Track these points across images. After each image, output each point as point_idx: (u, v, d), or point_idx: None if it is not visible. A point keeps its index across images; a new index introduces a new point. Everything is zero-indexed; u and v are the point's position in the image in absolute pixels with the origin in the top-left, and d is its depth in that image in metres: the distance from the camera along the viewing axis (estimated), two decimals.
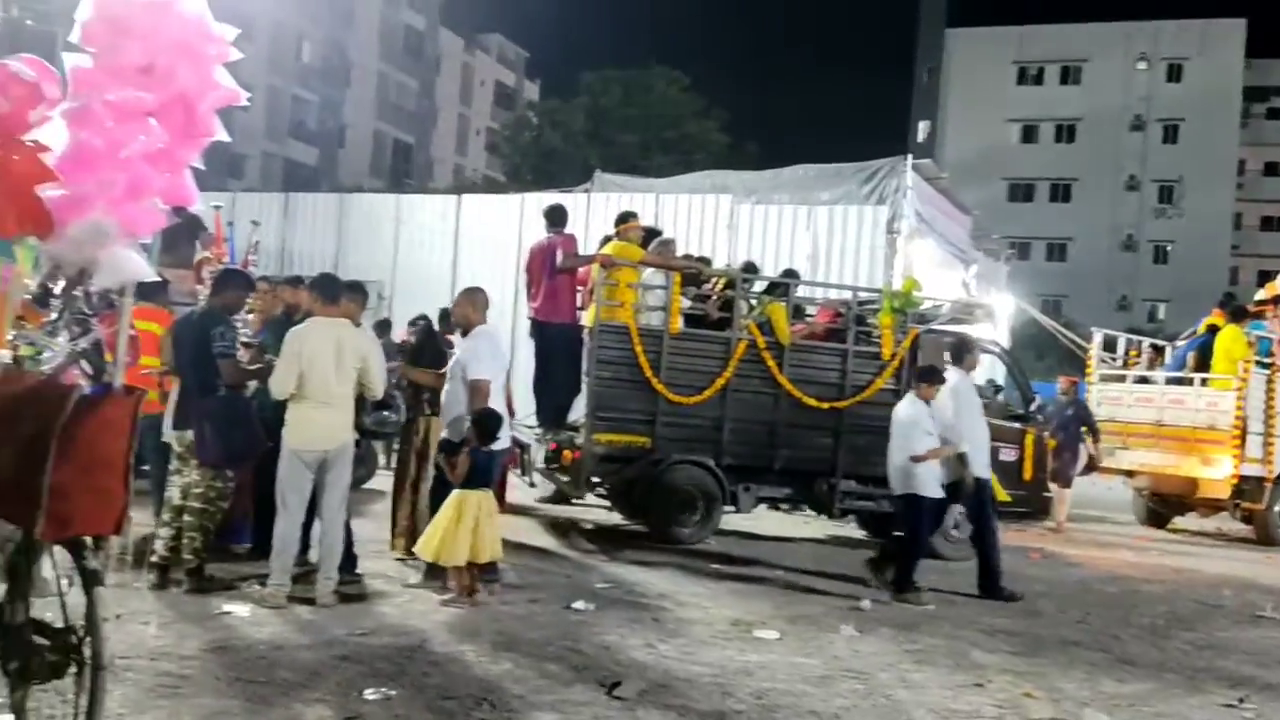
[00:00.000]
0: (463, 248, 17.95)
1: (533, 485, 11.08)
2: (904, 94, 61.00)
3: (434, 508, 7.07)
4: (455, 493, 6.78)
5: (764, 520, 11.19)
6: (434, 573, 7.01)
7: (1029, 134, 56.64)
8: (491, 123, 57.45)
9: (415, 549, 7.03)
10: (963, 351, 8.95)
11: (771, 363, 9.93)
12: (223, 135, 4.05)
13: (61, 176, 3.81)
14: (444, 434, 7.43)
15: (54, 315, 4.32)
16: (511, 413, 9.74)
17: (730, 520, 10.49)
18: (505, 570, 7.81)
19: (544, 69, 62.80)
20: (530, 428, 10.68)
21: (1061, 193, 55.91)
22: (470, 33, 58.03)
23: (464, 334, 7.44)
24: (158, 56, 3.76)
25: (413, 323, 11.21)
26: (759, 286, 11.10)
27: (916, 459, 8.07)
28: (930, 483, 8.16)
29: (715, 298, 10.44)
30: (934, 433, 8.17)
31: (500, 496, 9.23)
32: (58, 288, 4.29)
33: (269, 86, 38.00)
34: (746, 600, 7.66)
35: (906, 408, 8.40)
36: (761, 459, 10.03)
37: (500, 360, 7.59)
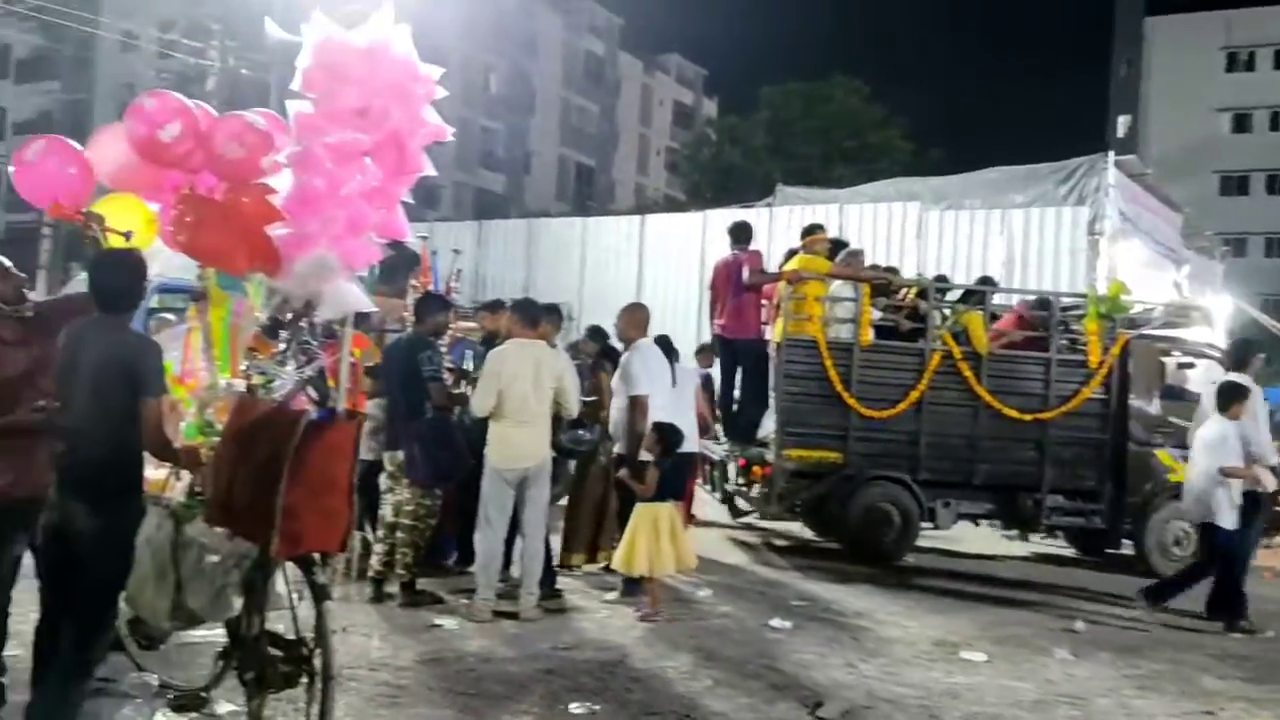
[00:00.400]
0: (647, 266, 18.17)
1: (723, 502, 11.08)
2: (1099, 89, 58.08)
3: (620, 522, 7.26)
4: (643, 506, 6.92)
5: (964, 536, 10.82)
6: (631, 587, 7.12)
7: (1241, 123, 52.81)
8: (671, 142, 58.07)
9: (613, 564, 7.16)
10: (1246, 354, 8.30)
11: (969, 374, 9.59)
12: (430, 170, 4.26)
13: (287, 216, 4.09)
14: (617, 449, 7.61)
15: (283, 346, 4.62)
16: (715, 419, 9.79)
17: (928, 536, 10.19)
18: (699, 586, 7.84)
19: (722, 86, 63.03)
20: (719, 443, 10.69)
21: None
22: (649, 55, 58.92)
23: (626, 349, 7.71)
24: (372, 99, 3.99)
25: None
26: (953, 296, 10.76)
27: (1229, 473, 7.55)
28: (1227, 511, 7.58)
29: (906, 308, 10.18)
30: (1241, 453, 7.62)
31: (688, 511, 9.30)
32: (286, 320, 4.59)
33: (460, 119, 39.63)
34: (949, 619, 7.42)
35: (1214, 428, 7.76)
36: (961, 474, 9.71)
37: (654, 374, 7.68)
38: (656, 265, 17.94)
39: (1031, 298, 11.00)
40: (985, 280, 10.98)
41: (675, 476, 7.25)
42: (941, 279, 11.43)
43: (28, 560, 4.32)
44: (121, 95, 40.06)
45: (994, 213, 15.06)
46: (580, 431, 7.44)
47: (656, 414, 7.31)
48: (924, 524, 9.73)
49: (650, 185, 57.90)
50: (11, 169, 4.76)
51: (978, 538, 10.93)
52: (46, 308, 4.61)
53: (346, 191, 3.99)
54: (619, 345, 8.02)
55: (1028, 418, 9.61)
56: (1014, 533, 10.71)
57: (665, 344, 8.69)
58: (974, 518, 10.23)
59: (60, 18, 33.91)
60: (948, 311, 10.15)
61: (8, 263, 4.44)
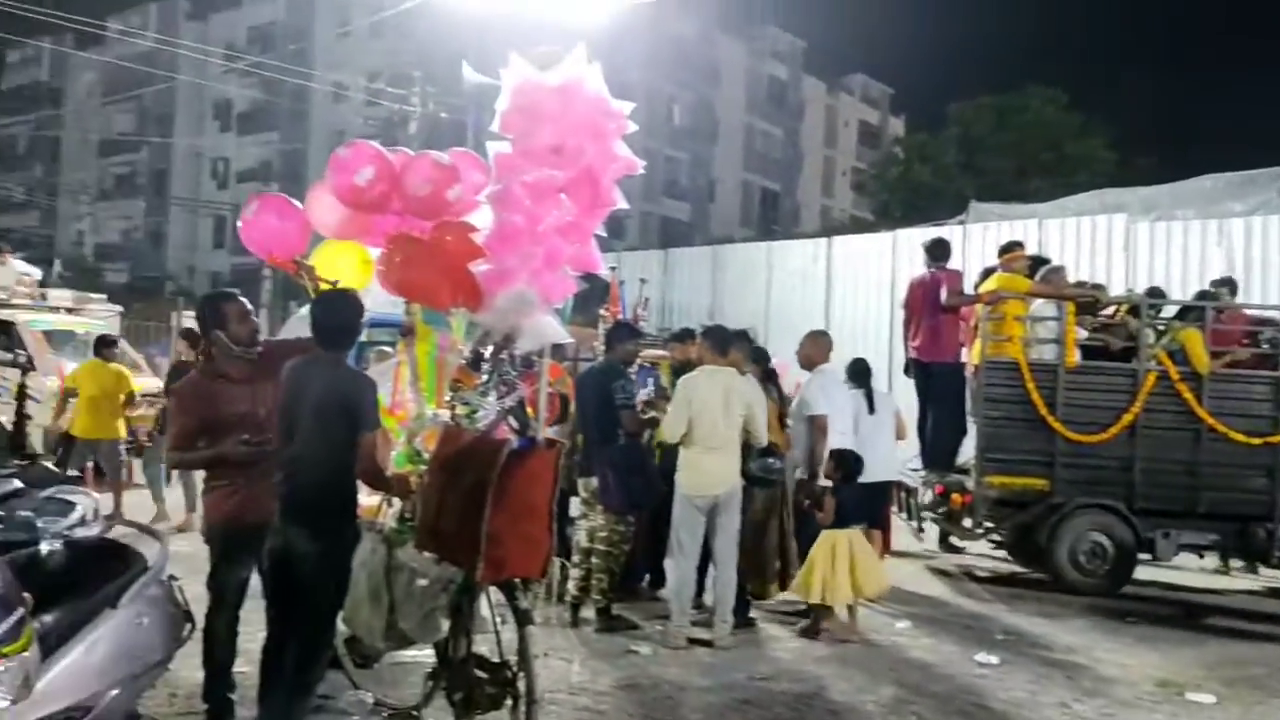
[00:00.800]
0: (835, 289, 17.91)
1: (920, 531, 10.75)
2: None
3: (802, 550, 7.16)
4: (825, 533, 6.86)
5: (1186, 569, 10.10)
6: (815, 613, 7.01)
7: None
8: (857, 162, 57.23)
9: (792, 590, 7.08)
10: None
11: (1188, 395, 8.98)
12: (622, 203, 4.35)
13: (489, 253, 4.25)
14: (798, 473, 7.52)
15: (485, 377, 4.79)
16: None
17: (1145, 569, 9.57)
18: (898, 617, 7.62)
19: (908, 104, 61.83)
20: (914, 470, 10.37)
21: None
22: (833, 76, 58.39)
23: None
24: (567, 137, 4.11)
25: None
26: (1167, 312, 10.11)
27: None
28: None
29: (1116, 325, 9.63)
30: None
31: (885, 541, 9.05)
32: (487, 352, 4.77)
33: (645, 150, 39.85)
34: (1172, 658, 6.93)
35: None
36: (1182, 502, 9.07)
37: (834, 399, 7.69)
38: (844, 287, 17.65)
39: (1257, 313, 10.21)
40: (1206, 294, 10.25)
41: (869, 503, 7.10)
42: (1156, 292, 10.74)
43: (255, 582, 4.60)
44: (333, 142, 42.71)
45: (1210, 223, 14.06)
46: (770, 460, 7.37)
47: (836, 440, 7.26)
48: (1141, 555, 9.14)
49: (836, 207, 57.19)
50: (239, 224, 5.17)
51: (1198, 570, 10.19)
52: (272, 348, 4.93)
53: (544, 227, 4.12)
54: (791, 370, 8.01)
55: (1257, 442, 8.91)
56: (1241, 565, 9.94)
57: (861, 368, 8.53)
58: (1198, 549, 9.53)
59: (278, 73, 36.65)
60: (1163, 328, 9.54)
61: (249, 306, 4.76)
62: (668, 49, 42.85)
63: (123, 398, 10.11)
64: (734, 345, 7.01)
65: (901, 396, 10.23)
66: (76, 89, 52.01)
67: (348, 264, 5.27)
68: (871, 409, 8.27)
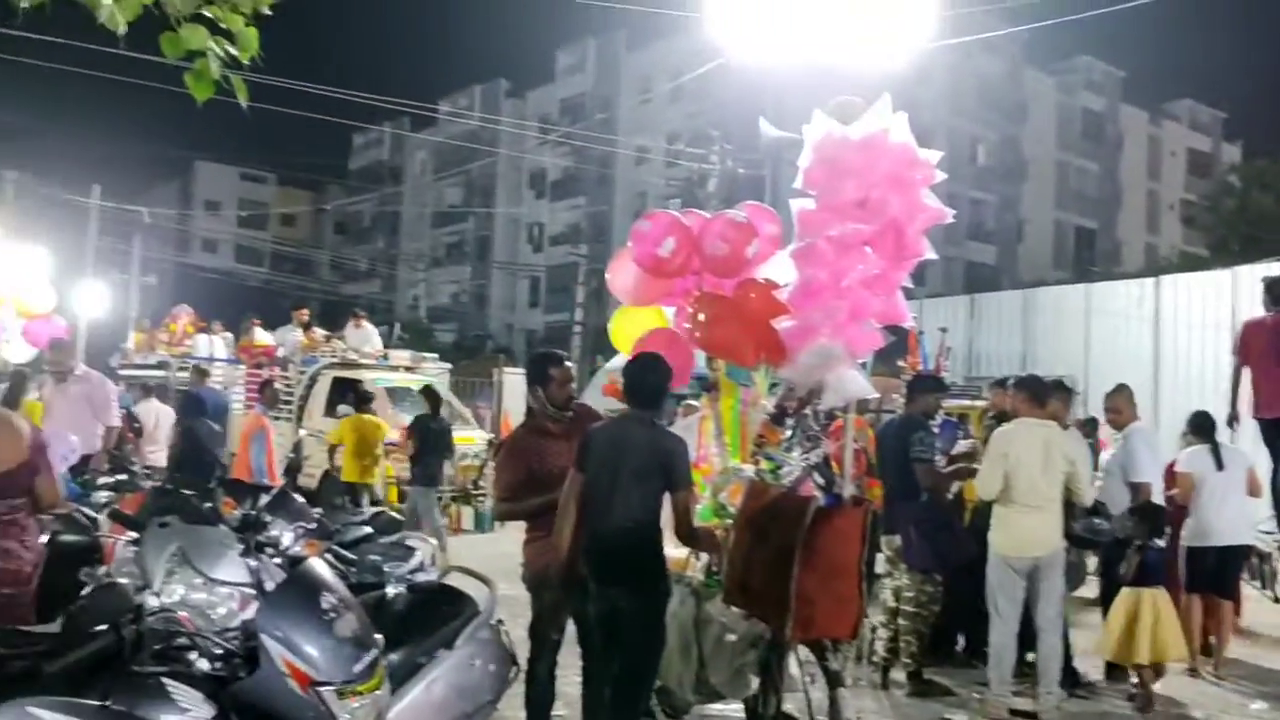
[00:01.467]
0: (1164, 333, 16.48)
1: (1277, 600, 9.58)
2: None
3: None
4: (1126, 591, 6.45)
5: None
6: (1141, 679, 6.42)
7: None
8: (1186, 194, 52.72)
9: (1094, 651, 6.56)
10: None
11: None
12: (930, 254, 4.23)
13: (792, 309, 4.26)
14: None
15: (788, 433, 4.79)
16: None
17: None
18: (1251, 697, 6.82)
19: (1244, 128, 56.33)
20: (1268, 533, 9.29)
21: None
22: (1155, 104, 54.35)
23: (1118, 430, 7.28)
24: (871, 190, 4.07)
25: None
26: None
27: None
28: None
29: None
30: None
31: (1235, 611, 8.14)
32: (791, 407, 4.76)
33: (948, 193, 38.54)
34: None
35: None
36: None
37: (1158, 459, 7.27)
38: (1175, 331, 16.21)
39: None
40: None
41: (1219, 570, 6.46)
42: None
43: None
44: (636, 204, 44.69)
45: None
46: (1097, 520, 6.85)
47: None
48: None
49: (1162, 244, 52.86)
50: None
51: None
52: (584, 410, 5.16)
53: (849, 281, 4.08)
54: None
55: None
56: None
57: (1206, 422, 7.78)
58: None
59: (586, 141, 38.88)
60: None
61: (573, 374, 4.98)
62: (970, 88, 41.57)
63: (380, 446, 11.12)
64: (1051, 396, 6.60)
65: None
66: (413, 167, 57.54)
67: (645, 326, 5.46)
68: (1219, 465, 7.50)
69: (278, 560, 3.81)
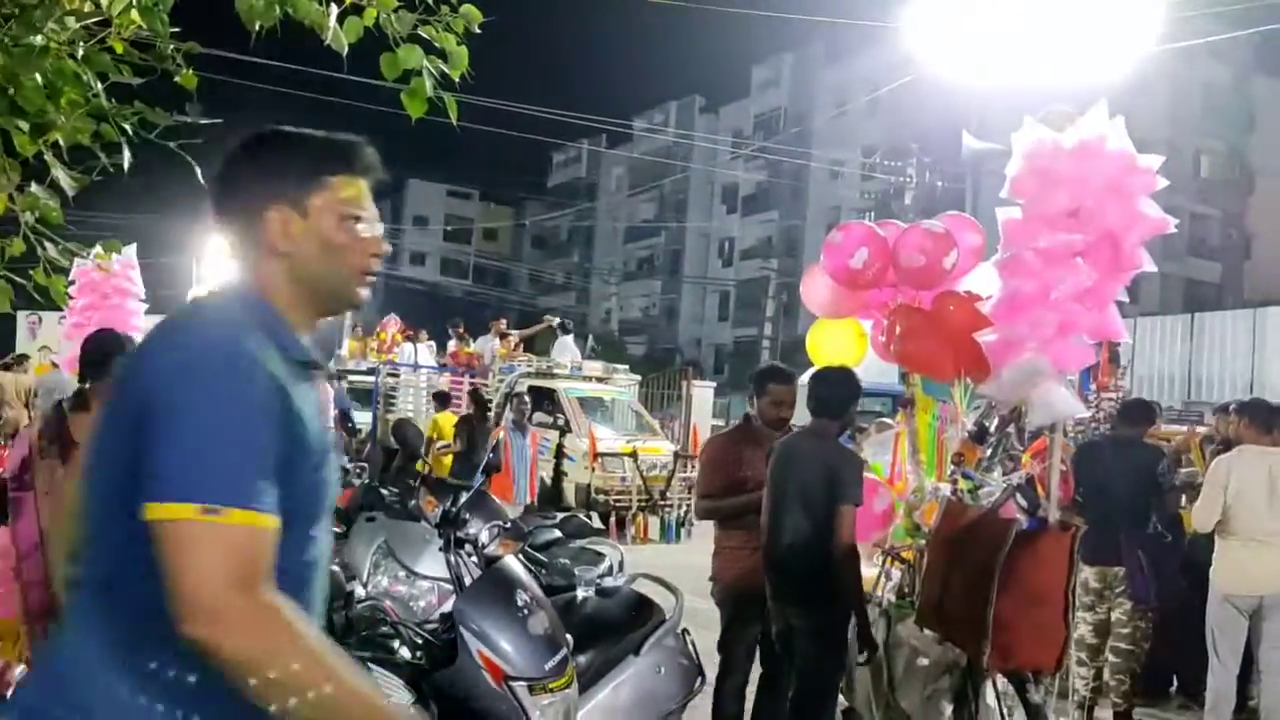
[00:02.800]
0: None
1: None
2: None
3: None
4: None
5: None
6: None
7: None
8: None
9: None
10: None
11: None
12: (1149, 266, 3.98)
13: (995, 321, 4.09)
14: None
15: (989, 452, 4.59)
16: None
17: None
18: None
19: None
20: None
21: None
22: None
23: None
24: (1084, 199, 3.86)
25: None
26: None
27: None
28: None
29: None
30: None
31: None
32: (992, 425, 4.57)
33: (1168, 206, 36.37)
34: None
35: None
36: None
37: None
38: None
39: None
40: None
41: None
42: None
43: None
44: (829, 218, 44.15)
45: None
46: None
47: None
48: None
49: None
50: None
51: None
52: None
53: (1058, 294, 3.88)
54: None
55: None
56: None
57: None
58: None
59: (779, 155, 38.71)
60: None
61: (793, 396, 4.79)
62: (1192, 97, 39.05)
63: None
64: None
65: None
66: (608, 183, 58.79)
67: (841, 340, 5.36)
68: None
69: (474, 558, 3.93)
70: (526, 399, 12.52)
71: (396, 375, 17.48)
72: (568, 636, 2.99)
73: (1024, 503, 4.44)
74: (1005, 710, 4.25)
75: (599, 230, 58.84)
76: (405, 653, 2.64)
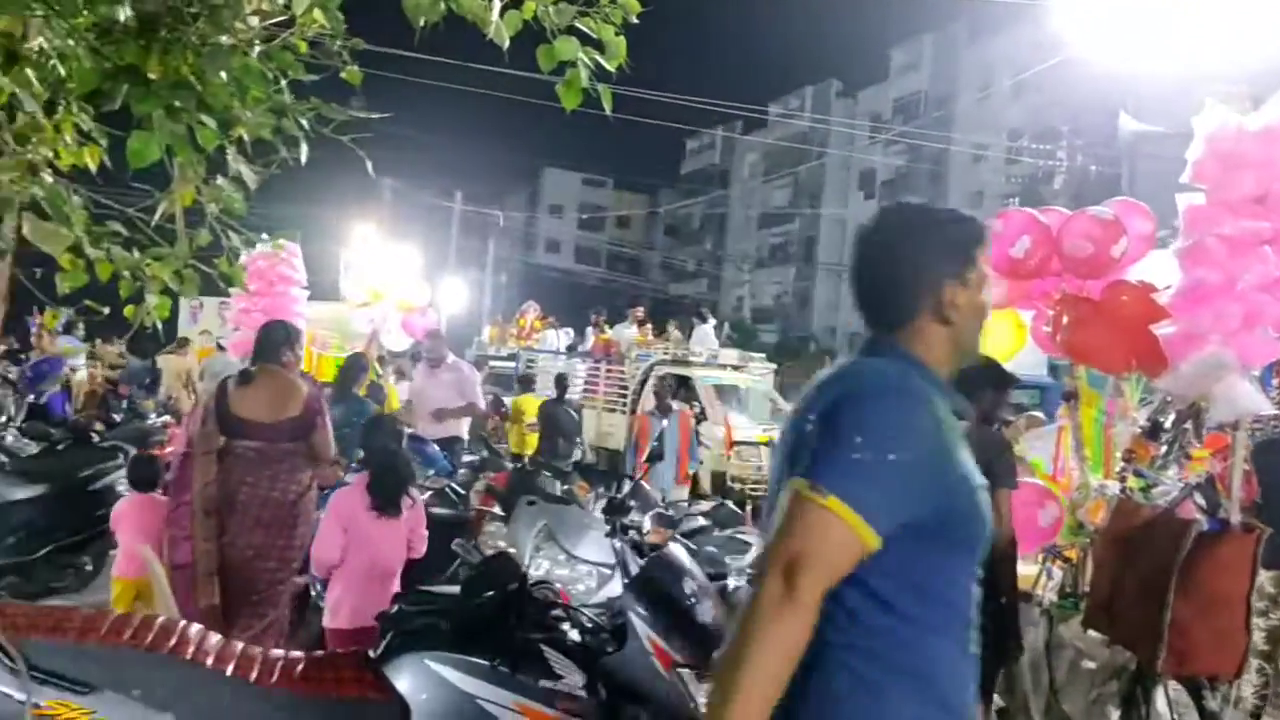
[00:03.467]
0: None
1: None
2: None
3: None
4: None
5: None
6: None
7: None
8: None
9: None
10: None
11: None
12: None
13: (1174, 313, 3.90)
14: None
15: (1164, 449, 4.39)
16: None
17: None
18: None
19: None
20: None
21: None
22: None
23: None
24: (1272, 184, 3.65)
25: None
26: None
27: None
28: None
29: None
30: None
31: None
32: (1168, 421, 4.36)
33: None
34: None
35: None
36: None
37: None
38: None
39: None
40: None
41: None
42: None
43: None
44: (970, 203, 42.90)
45: None
46: None
47: None
48: None
49: None
50: None
51: None
52: None
53: (1243, 285, 3.68)
54: None
55: None
56: None
57: None
58: None
59: (919, 140, 37.79)
60: None
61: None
62: None
63: None
64: None
65: None
66: (741, 169, 58.45)
67: (999, 330, 5.20)
68: None
69: (632, 545, 3.96)
70: (670, 381, 12.53)
71: (536, 361, 17.78)
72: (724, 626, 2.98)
73: (1203, 503, 4.23)
74: (1176, 716, 4.07)
75: (732, 217, 58.56)
76: (574, 635, 2.69)
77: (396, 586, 4.08)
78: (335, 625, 4.05)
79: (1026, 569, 4.66)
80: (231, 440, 4.80)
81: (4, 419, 7.63)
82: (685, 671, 2.66)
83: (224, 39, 3.33)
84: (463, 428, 8.55)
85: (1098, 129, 22.97)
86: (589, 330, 18.42)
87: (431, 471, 6.35)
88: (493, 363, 17.95)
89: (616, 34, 3.88)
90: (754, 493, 13.87)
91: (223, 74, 3.40)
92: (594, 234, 61.54)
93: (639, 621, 2.65)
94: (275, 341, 5.10)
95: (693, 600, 2.76)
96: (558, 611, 2.66)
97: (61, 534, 6.59)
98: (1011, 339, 5.07)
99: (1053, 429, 5.17)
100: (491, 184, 55.61)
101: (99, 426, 8.09)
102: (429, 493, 6.24)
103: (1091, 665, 4.13)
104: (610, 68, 3.89)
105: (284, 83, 3.52)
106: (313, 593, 4.76)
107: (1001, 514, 3.92)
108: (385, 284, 9.81)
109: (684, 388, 14.90)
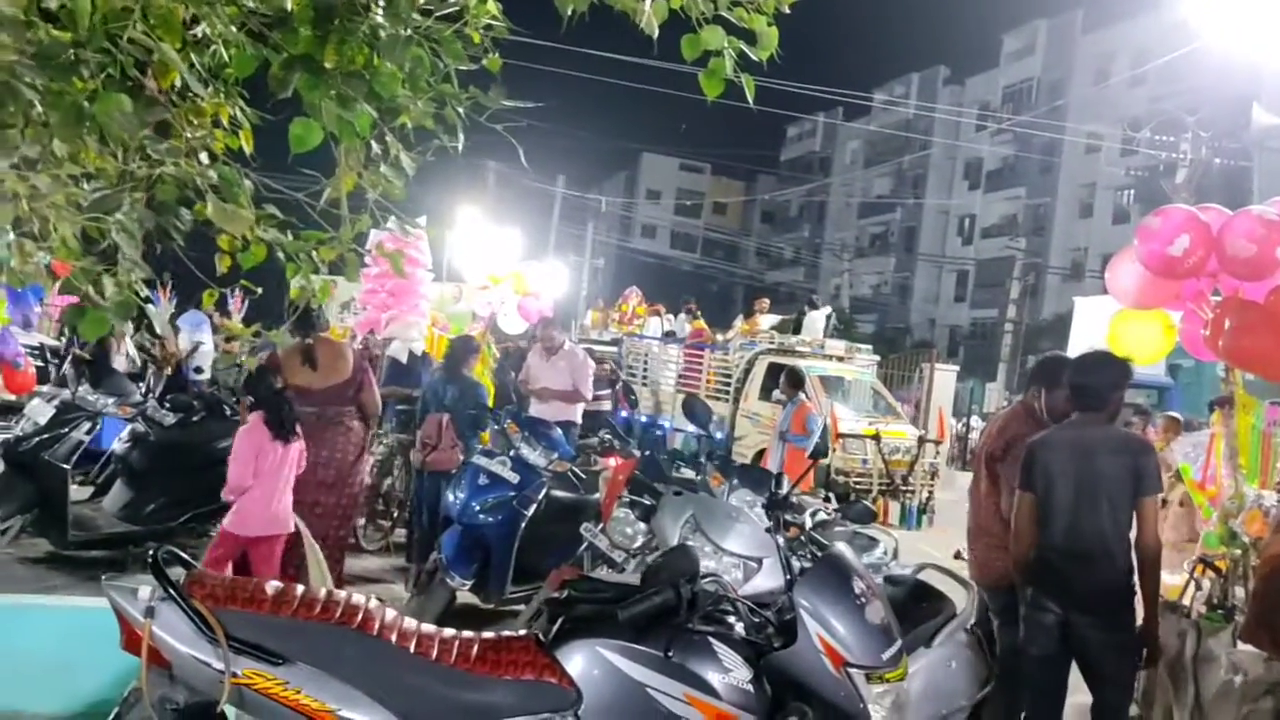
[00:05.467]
0: None
1: None
2: None
3: None
4: None
5: None
6: None
7: None
8: None
9: None
10: None
11: None
12: None
13: None
14: None
15: None
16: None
17: None
18: None
19: None
20: None
21: None
22: None
23: None
24: None
25: None
26: None
27: None
28: None
29: None
30: None
31: None
32: None
33: None
34: None
35: None
36: None
37: None
38: None
39: None
40: None
41: None
42: None
43: None
44: (1081, 195, 41.66)
45: None
46: None
47: None
48: None
49: None
50: None
51: None
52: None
53: None
54: None
55: None
56: None
57: None
58: None
59: (1030, 129, 36.80)
60: None
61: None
62: None
63: None
64: None
65: None
66: (842, 157, 57.69)
67: (1148, 331, 5.05)
68: None
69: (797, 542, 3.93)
70: (799, 372, 12.44)
71: (640, 347, 17.85)
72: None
73: None
74: None
75: (831, 205, 57.88)
76: (740, 629, 2.70)
77: (290, 498, 5.05)
78: (246, 534, 4.97)
79: (1173, 578, 4.54)
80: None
81: (144, 390, 7.93)
82: (855, 671, 2.65)
83: (401, 30, 3.39)
84: (576, 412, 8.63)
85: (1223, 121, 22.07)
86: (682, 317, 18.43)
87: (555, 455, 6.41)
88: (595, 346, 18.10)
89: (769, 24, 3.83)
90: (859, 486, 13.72)
91: (390, 65, 3.47)
92: (690, 220, 61.45)
93: (809, 619, 2.65)
94: (308, 310, 5.39)
95: (862, 600, 2.74)
96: (726, 605, 2.67)
97: (196, 503, 6.84)
98: (1161, 340, 4.92)
99: (1202, 435, 5.00)
100: (590, 168, 55.86)
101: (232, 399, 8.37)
102: (550, 475, 6.33)
103: (1243, 680, 4.00)
104: (760, 58, 3.85)
105: (451, 71, 3.58)
106: None
107: (1146, 521, 3.80)
108: (502, 268, 9.95)
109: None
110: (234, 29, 3.41)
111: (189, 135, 3.46)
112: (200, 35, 3.49)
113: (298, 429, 5.12)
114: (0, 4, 2.59)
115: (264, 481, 4.99)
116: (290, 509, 5.09)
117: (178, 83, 3.36)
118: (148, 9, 2.84)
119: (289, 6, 3.25)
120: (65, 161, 3.29)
